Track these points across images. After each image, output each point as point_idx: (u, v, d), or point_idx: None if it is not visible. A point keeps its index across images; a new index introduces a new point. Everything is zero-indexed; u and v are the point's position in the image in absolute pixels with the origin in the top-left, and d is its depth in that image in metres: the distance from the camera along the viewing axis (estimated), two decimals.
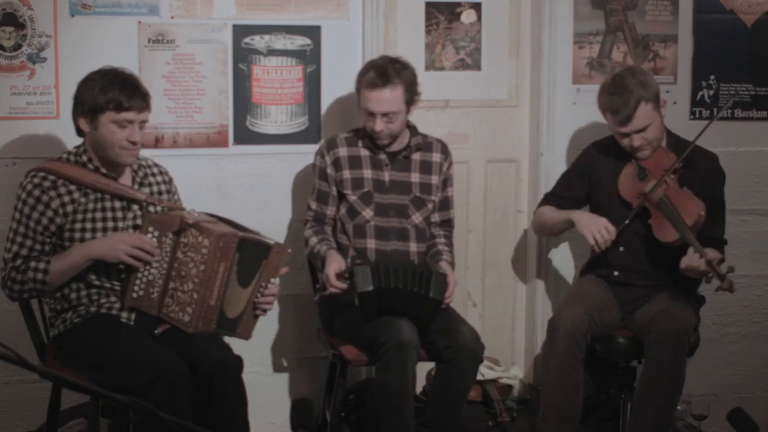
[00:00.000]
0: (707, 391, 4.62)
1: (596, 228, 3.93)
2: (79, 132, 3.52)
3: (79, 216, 3.46)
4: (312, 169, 4.06)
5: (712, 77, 4.58)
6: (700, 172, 4.01)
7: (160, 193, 3.66)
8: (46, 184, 3.44)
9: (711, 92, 4.58)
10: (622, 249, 4.02)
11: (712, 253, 3.78)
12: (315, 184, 4.02)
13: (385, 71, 3.84)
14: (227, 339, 3.56)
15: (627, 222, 3.97)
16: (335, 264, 3.81)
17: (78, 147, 3.55)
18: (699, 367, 4.58)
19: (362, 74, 3.90)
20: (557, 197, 4.21)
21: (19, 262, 3.42)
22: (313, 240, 3.94)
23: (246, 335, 3.57)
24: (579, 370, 3.85)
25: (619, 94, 3.91)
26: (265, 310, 3.57)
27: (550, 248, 4.56)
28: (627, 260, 4.04)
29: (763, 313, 4.76)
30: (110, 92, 3.41)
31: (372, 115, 3.86)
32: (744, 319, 4.71)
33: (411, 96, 3.89)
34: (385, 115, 3.85)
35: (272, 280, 3.54)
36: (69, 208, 3.44)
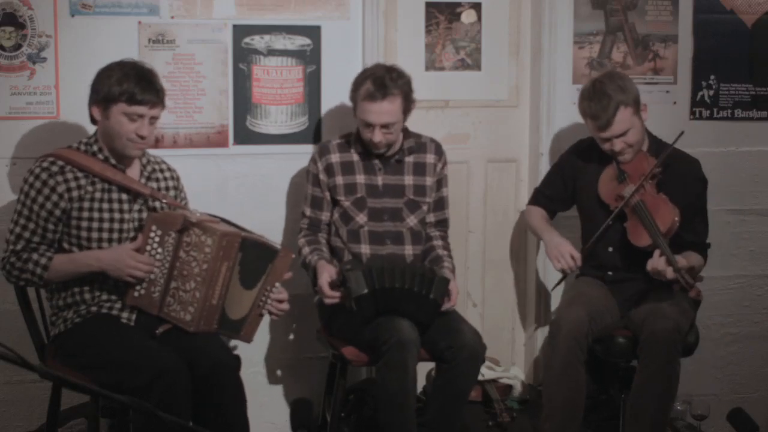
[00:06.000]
0: (707, 391, 4.62)
1: (560, 254, 3.98)
2: (93, 120, 3.54)
3: (86, 204, 3.47)
4: (305, 175, 4.06)
5: (712, 77, 4.58)
6: (680, 177, 4.01)
7: (167, 189, 3.67)
8: (54, 168, 3.46)
9: (711, 92, 4.58)
10: (610, 249, 4.04)
11: (682, 261, 3.79)
12: (308, 191, 4.01)
13: (383, 83, 3.80)
14: (231, 340, 3.57)
15: (606, 225, 3.97)
16: (326, 274, 3.79)
17: (90, 137, 3.57)
18: (699, 367, 4.58)
19: (359, 85, 3.86)
20: (545, 197, 4.25)
21: (20, 246, 3.44)
22: (306, 250, 3.93)
23: (248, 338, 3.59)
24: (581, 370, 3.86)
25: (598, 99, 3.91)
26: (274, 314, 3.60)
27: None
28: (617, 260, 4.05)
29: (763, 313, 4.76)
30: (125, 84, 3.43)
31: (370, 126, 3.85)
32: (744, 319, 4.71)
33: (408, 105, 3.88)
34: (384, 126, 3.84)
35: (276, 284, 3.55)
36: (75, 194, 3.45)
